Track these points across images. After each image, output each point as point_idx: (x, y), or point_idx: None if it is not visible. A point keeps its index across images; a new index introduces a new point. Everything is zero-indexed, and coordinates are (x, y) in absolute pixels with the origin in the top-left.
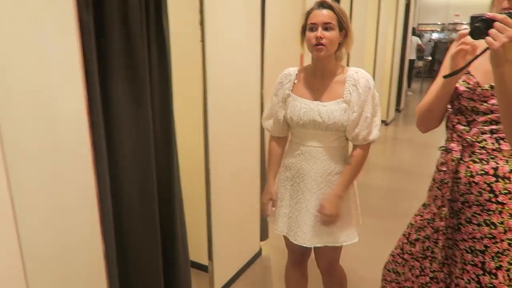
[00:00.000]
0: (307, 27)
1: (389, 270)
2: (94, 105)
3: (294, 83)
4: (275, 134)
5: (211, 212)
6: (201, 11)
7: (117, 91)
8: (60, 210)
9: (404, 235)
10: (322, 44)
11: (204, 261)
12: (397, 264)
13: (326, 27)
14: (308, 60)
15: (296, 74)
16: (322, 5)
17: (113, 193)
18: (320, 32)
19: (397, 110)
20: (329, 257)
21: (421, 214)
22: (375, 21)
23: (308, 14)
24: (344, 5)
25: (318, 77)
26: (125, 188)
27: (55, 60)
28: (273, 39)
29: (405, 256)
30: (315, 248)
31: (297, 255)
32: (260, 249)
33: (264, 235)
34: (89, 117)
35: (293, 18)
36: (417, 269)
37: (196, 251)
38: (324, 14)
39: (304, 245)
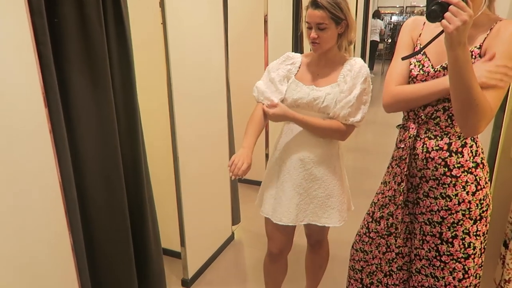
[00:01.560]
0: (305, 22)
1: (356, 250)
2: (50, 90)
3: (299, 68)
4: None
5: (181, 198)
6: None
7: (75, 76)
8: (20, 203)
9: (368, 214)
10: (317, 43)
11: (177, 248)
12: (364, 243)
13: (319, 27)
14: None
15: (300, 60)
16: (314, 4)
17: (77, 183)
18: (314, 32)
19: None
20: (318, 233)
21: (383, 192)
22: None
23: (306, 10)
24: None
25: (320, 65)
26: (90, 177)
27: (3, 44)
28: (236, 17)
29: (371, 234)
30: (307, 226)
31: (278, 245)
32: (233, 234)
33: (236, 219)
34: (46, 104)
35: None
36: (383, 246)
37: (168, 238)
38: (316, 15)
39: (289, 224)
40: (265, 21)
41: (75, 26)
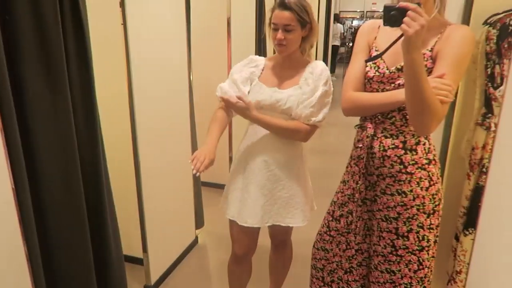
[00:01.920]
0: (271, 24)
1: (318, 249)
2: (3, 91)
3: (262, 71)
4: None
5: (143, 202)
6: None
7: (30, 77)
8: None
9: (328, 213)
10: (283, 45)
11: (139, 254)
12: (325, 241)
13: (286, 28)
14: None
15: (264, 63)
16: (282, 5)
17: (33, 189)
18: (280, 33)
19: None
20: (282, 233)
21: (342, 191)
22: None
23: (272, 11)
24: None
25: (284, 67)
26: (47, 182)
27: None
28: (198, 19)
29: (332, 233)
30: (272, 227)
31: (243, 247)
32: (196, 237)
33: (199, 223)
34: None
35: None
36: (344, 243)
37: (129, 244)
38: (284, 16)
39: (255, 226)
40: (228, 23)
41: (30, 25)
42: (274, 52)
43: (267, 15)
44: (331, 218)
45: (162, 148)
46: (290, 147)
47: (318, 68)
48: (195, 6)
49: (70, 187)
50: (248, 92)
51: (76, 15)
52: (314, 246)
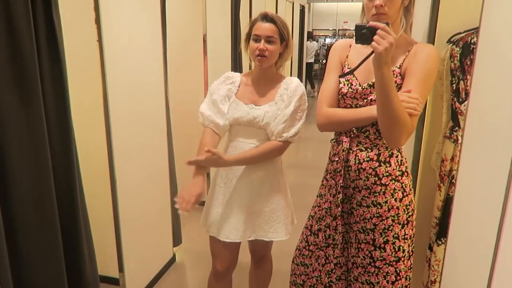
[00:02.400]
0: (251, 36)
1: (297, 264)
2: None
3: (239, 88)
4: (220, 129)
5: (119, 220)
6: (96, 9)
7: (1, 93)
8: None
9: (306, 227)
10: (264, 56)
11: (115, 274)
12: (304, 256)
13: (269, 40)
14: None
15: (240, 79)
16: (266, 18)
17: (3, 206)
18: (263, 44)
19: None
20: (262, 248)
21: (319, 205)
22: None
23: (252, 24)
24: (243, 9)
25: (259, 83)
26: (18, 199)
27: None
28: (174, 36)
29: (311, 247)
30: (252, 243)
31: (224, 262)
32: (174, 255)
33: (177, 240)
34: None
35: (194, 14)
36: (322, 258)
37: (105, 264)
38: (267, 28)
39: (237, 241)
40: (204, 41)
41: (1, 37)
42: (250, 68)
43: (244, 30)
44: (309, 233)
45: (139, 166)
46: (270, 162)
47: (292, 84)
48: (171, 23)
49: (43, 204)
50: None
51: (50, 30)
52: (293, 261)
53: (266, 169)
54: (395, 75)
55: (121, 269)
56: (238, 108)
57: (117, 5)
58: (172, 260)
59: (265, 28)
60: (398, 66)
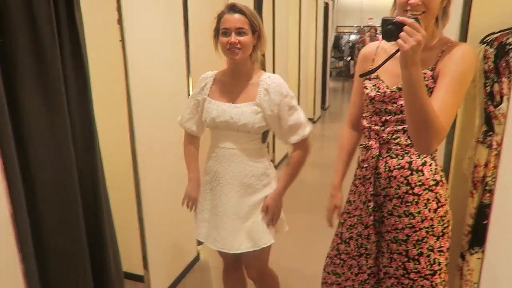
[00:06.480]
0: (220, 30)
1: (328, 273)
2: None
3: (211, 87)
4: (195, 134)
5: (143, 218)
6: (119, 9)
7: (27, 97)
8: None
9: (337, 235)
10: (237, 48)
11: (139, 271)
12: (335, 265)
13: (239, 31)
14: None
15: (214, 78)
16: (233, 9)
17: (30, 208)
18: (233, 37)
19: (323, 108)
20: (257, 263)
21: (349, 211)
22: (297, 23)
23: (219, 17)
24: (266, 8)
25: (234, 80)
26: (44, 201)
27: None
28: (197, 34)
29: (342, 256)
30: (242, 256)
31: (229, 260)
32: (198, 254)
33: None
34: None
35: (216, 13)
36: (355, 267)
37: (130, 261)
38: (236, 19)
39: (224, 251)
40: None
41: (26, 44)
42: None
43: (214, 23)
44: (339, 241)
45: (162, 163)
46: (254, 168)
47: (273, 85)
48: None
49: (68, 205)
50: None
51: (73, 33)
52: (324, 269)
53: (251, 175)
54: (426, 78)
55: (145, 266)
56: (214, 107)
57: (140, 5)
58: (196, 258)
59: (233, 19)
60: (431, 68)
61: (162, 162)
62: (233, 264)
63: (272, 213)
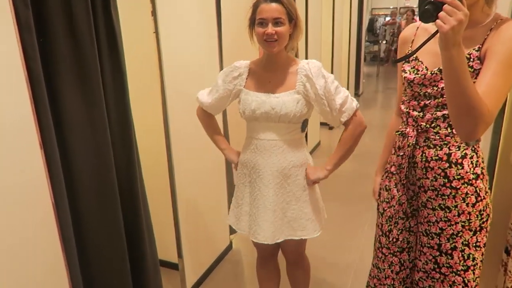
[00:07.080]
0: (256, 21)
1: (373, 266)
2: (41, 108)
3: (247, 78)
4: (209, 111)
5: (177, 208)
6: (153, 1)
7: (66, 90)
8: (12, 219)
9: (377, 226)
10: (274, 40)
11: (174, 259)
12: (378, 258)
13: (277, 21)
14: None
15: (248, 69)
16: None
17: (70, 199)
18: (270, 28)
19: (356, 94)
20: (295, 249)
21: (387, 200)
22: (331, 5)
23: (255, 7)
24: None
25: (271, 70)
26: (84, 192)
27: None
28: (230, 26)
29: (384, 250)
30: (280, 243)
31: (264, 251)
32: (231, 243)
33: (233, 228)
34: (37, 121)
35: (250, 3)
36: (397, 265)
37: (165, 250)
38: (273, 9)
39: (265, 243)
40: None
41: (65, 39)
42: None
43: (246, 15)
44: (380, 233)
45: (195, 154)
46: (294, 158)
47: (314, 69)
48: (226, 12)
49: (106, 195)
50: (239, 102)
51: (109, 28)
52: (372, 260)
53: (290, 166)
54: (471, 59)
55: (180, 255)
56: (252, 99)
57: None
58: (229, 247)
59: (270, 9)
60: (477, 49)
61: (196, 153)
62: (270, 255)
63: (312, 180)
